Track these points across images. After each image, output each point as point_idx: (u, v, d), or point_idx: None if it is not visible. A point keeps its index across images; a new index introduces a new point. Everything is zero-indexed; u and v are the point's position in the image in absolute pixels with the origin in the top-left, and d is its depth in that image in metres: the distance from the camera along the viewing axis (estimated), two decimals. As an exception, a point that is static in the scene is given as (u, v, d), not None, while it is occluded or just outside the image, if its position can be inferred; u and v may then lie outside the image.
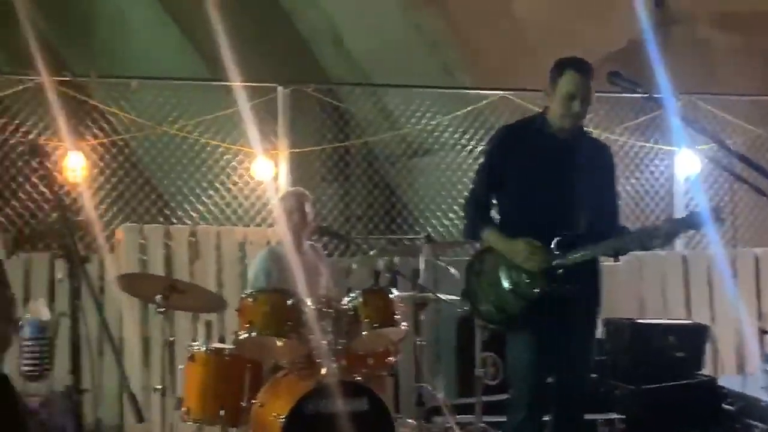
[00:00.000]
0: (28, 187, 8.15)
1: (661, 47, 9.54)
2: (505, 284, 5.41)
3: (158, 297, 6.77)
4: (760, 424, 7.61)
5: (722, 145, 5.44)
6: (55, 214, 4.29)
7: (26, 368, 7.04)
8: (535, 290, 5.31)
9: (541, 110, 5.68)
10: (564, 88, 5.40)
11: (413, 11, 11.32)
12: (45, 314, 7.37)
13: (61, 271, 7.55)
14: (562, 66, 5.47)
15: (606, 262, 6.08)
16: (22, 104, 8.31)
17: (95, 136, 8.88)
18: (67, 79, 8.73)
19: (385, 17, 11.47)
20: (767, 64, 11.75)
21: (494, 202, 5.69)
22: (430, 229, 9.66)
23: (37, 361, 7.17)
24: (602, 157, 5.71)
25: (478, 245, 5.67)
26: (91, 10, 13.80)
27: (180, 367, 7.04)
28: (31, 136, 8.00)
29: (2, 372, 4.17)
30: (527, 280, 5.34)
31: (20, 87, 8.16)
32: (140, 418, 4.78)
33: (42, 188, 4.00)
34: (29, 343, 7.18)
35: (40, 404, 6.84)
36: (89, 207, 8.10)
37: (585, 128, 5.75)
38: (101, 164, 9.01)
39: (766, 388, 7.91)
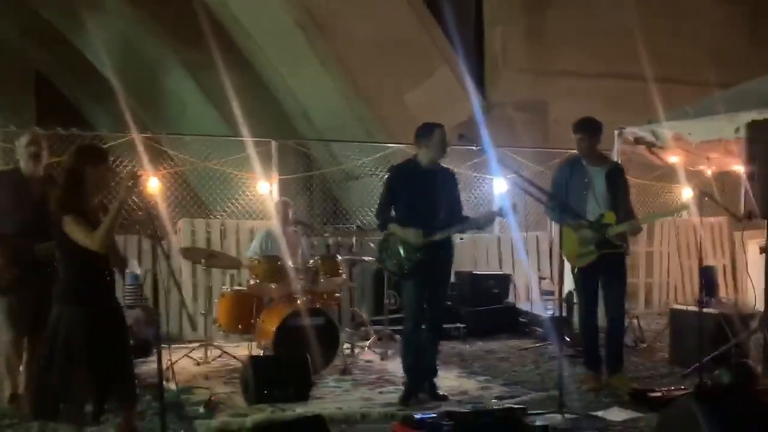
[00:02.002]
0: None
1: (485, 120, 9.75)
2: (402, 253, 5.24)
3: (202, 260, 6.79)
4: (538, 329, 7.73)
5: (519, 175, 5.61)
6: (142, 213, 4.24)
7: (127, 300, 6.93)
8: (418, 255, 5.20)
9: (413, 155, 5.48)
10: (437, 137, 5.25)
11: (348, 99, 11.33)
12: (137, 269, 7.32)
13: (146, 245, 7.57)
14: (431, 127, 5.30)
15: (456, 239, 6.16)
16: (123, 149, 8.13)
17: (165, 168, 8.78)
18: (148, 135, 8.55)
19: (334, 103, 11.47)
20: (543, 131, 11.96)
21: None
22: (358, 222, 9.63)
23: (132, 297, 7.09)
24: (451, 178, 5.51)
25: (385, 232, 5.42)
26: (162, 94, 13.74)
27: (215, 300, 7.08)
28: (128, 168, 7.94)
29: (118, 303, 4.18)
30: (413, 250, 5.21)
31: (121, 140, 7.98)
32: (194, 328, 4.84)
33: (135, 198, 3.97)
34: (129, 286, 7.09)
35: (134, 322, 6.79)
36: (162, 209, 8.05)
37: (440, 163, 5.47)
38: (168, 184, 8.84)
39: (541, 309, 8.00)
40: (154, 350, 4.59)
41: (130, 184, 3.81)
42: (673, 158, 7.89)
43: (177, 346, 6.96)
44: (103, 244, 3.68)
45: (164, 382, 4.01)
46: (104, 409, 3.85)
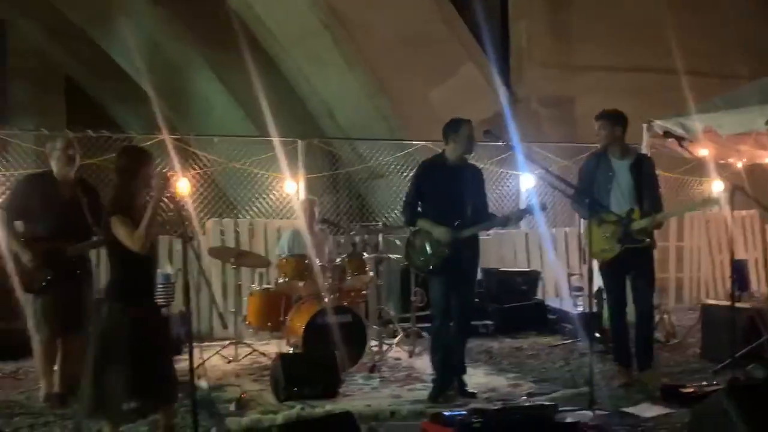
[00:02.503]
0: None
1: (511, 115, 9.71)
2: (428, 250, 5.26)
3: (231, 259, 6.85)
4: (568, 325, 7.65)
5: (545, 170, 5.59)
6: (172, 213, 4.28)
7: (159, 300, 6.95)
8: (444, 252, 5.19)
9: (441, 151, 5.50)
10: (464, 133, 5.26)
11: (373, 98, 11.32)
12: (168, 269, 7.34)
13: (177, 245, 7.64)
14: (459, 122, 5.31)
15: (483, 236, 6.15)
16: (153, 150, 8.26)
17: (194, 169, 8.80)
18: (178, 136, 8.64)
19: (357, 101, 11.46)
20: (570, 126, 11.86)
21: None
22: (384, 219, 9.68)
23: (164, 296, 7.05)
24: (477, 174, 5.50)
25: (411, 228, 5.44)
26: (189, 95, 13.84)
27: (244, 298, 7.09)
28: (158, 169, 7.97)
29: (157, 304, 4.22)
30: (439, 247, 5.21)
31: (151, 142, 8.02)
32: (224, 326, 4.89)
33: (165, 198, 4.01)
34: (160, 286, 7.08)
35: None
36: (191, 209, 8.11)
37: (467, 159, 5.48)
38: (197, 185, 8.89)
39: (571, 305, 7.98)
40: (185, 348, 4.64)
41: (161, 185, 3.89)
42: (703, 151, 7.79)
43: (207, 344, 7.04)
44: (142, 245, 3.79)
45: (195, 380, 4.06)
46: (145, 407, 3.90)
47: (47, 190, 5.25)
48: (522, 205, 9.51)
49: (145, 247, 3.82)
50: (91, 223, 5.21)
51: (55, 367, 5.25)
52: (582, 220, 6.73)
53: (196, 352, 4.03)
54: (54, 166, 5.31)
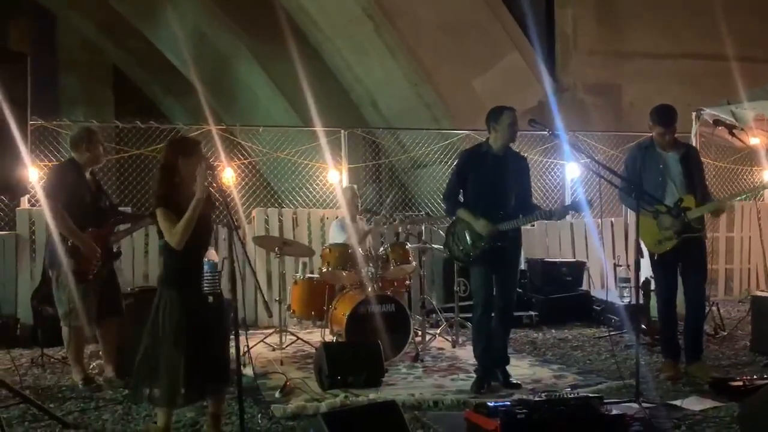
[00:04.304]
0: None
1: (556, 105, 9.59)
2: (469, 240, 5.21)
3: (276, 248, 6.87)
4: (614, 317, 7.59)
5: (592, 159, 5.51)
6: (218, 203, 4.32)
7: (206, 288, 7.08)
8: (484, 242, 5.15)
9: (484, 140, 5.41)
10: (506, 120, 5.20)
11: (416, 86, 11.31)
12: (215, 257, 7.45)
13: (222, 234, 7.75)
14: (501, 109, 5.24)
15: (527, 226, 6.07)
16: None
17: (239, 159, 8.90)
18: (223, 126, 8.71)
19: (400, 89, 11.48)
20: (616, 114, 11.70)
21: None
22: (426, 209, 9.67)
23: (211, 285, 7.24)
24: (522, 164, 5.43)
25: (452, 219, 5.41)
26: (234, 87, 13.98)
27: (289, 287, 7.16)
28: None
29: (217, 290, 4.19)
30: (479, 237, 5.16)
31: (197, 132, 8.11)
32: (269, 314, 4.92)
33: (211, 189, 4.07)
34: (207, 274, 7.27)
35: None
36: (237, 198, 8.21)
37: (511, 148, 5.39)
38: (242, 175, 9.00)
39: (617, 297, 7.86)
40: (232, 336, 4.70)
41: (207, 175, 3.92)
42: (755, 140, 7.61)
43: (253, 332, 7.13)
44: (177, 241, 3.84)
45: (241, 367, 4.10)
46: (197, 394, 3.97)
47: (79, 180, 5.39)
48: (567, 197, 9.47)
49: (181, 244, 3.84)
50: (109, 212, 5.53)
51: (88, 351, 5.35)
52: (629, 211, 6.63)
53: (241, 339, 4.05)
54: (88, 157, 5.42)
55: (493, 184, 5.24)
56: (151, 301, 4.04)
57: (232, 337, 4.14)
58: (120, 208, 6.77)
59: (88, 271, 5.27)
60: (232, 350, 4.06)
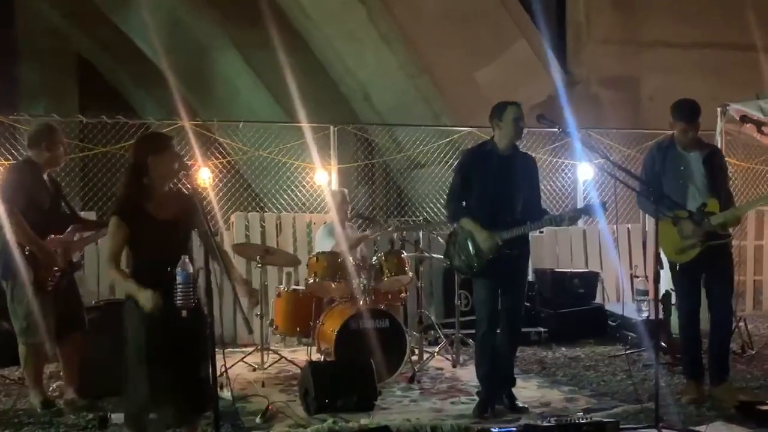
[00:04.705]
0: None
1: (567, 99, 9.62)
2: (471, 250, 5.20)
3: (257, 257, 6.83)
4: (631, 333, 7.59)
5: (606, 159, 5.51)
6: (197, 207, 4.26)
7: (179, 302, 7.04)
8: (489, 255, 5.14)
9: (489, 138, 5.42)
10: (510, 116, 5.18)
11: (413, 78, 11.31)
12: (189, 268, 7.44)
13: (197, 241, 7.69)
14: (504, 104, 5.25)
15: (536, 233, 6.06)
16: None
17: (216, 158, 8.88)
18: (199, 122, 8.69)
19: (396, 82, 11.48)
20: (634, 110, 11.72)
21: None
22: (424, 214, 9.65)
23: (184, 298, 7.19)
24: (530, 165, 5.44)
25: (454, 225, 5.41)
26: (212, 78, 13.95)
27: (271, 300, 7.14)
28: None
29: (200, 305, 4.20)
30: (484, 248, 5.15)
31: (170, 128, 8.04)
32: (249, 330, 4.89)
33: (185, 191, 4.04)
34: (180, 285, 7.23)
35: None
36: (214, 202, 8.18)
37: (518, 147, 5.41)
38: (220, 175, 8.99)
39: (634, 311, 7.83)
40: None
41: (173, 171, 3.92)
42: (785, 138, 7.63)
43: (231, 350, 7.11)
44: (108, 276, 3.88)
45: (218, 390, 4.07)
46: (168, 419, 3.93)
47: (37, 182, 5.35)
48: (580, 201, 9.46)
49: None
50: (70, 218, 5.51)
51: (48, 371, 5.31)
52: (647, 216, 6.64)
53: (218, 359, 4.01)
54: (48, 157, 5.38)
55: (499, 187, 5.24)
56: (117, 315, 4.01)
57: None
58: (82, 213, 6.74)
59: (46, 282, 5.23)
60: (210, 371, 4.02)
